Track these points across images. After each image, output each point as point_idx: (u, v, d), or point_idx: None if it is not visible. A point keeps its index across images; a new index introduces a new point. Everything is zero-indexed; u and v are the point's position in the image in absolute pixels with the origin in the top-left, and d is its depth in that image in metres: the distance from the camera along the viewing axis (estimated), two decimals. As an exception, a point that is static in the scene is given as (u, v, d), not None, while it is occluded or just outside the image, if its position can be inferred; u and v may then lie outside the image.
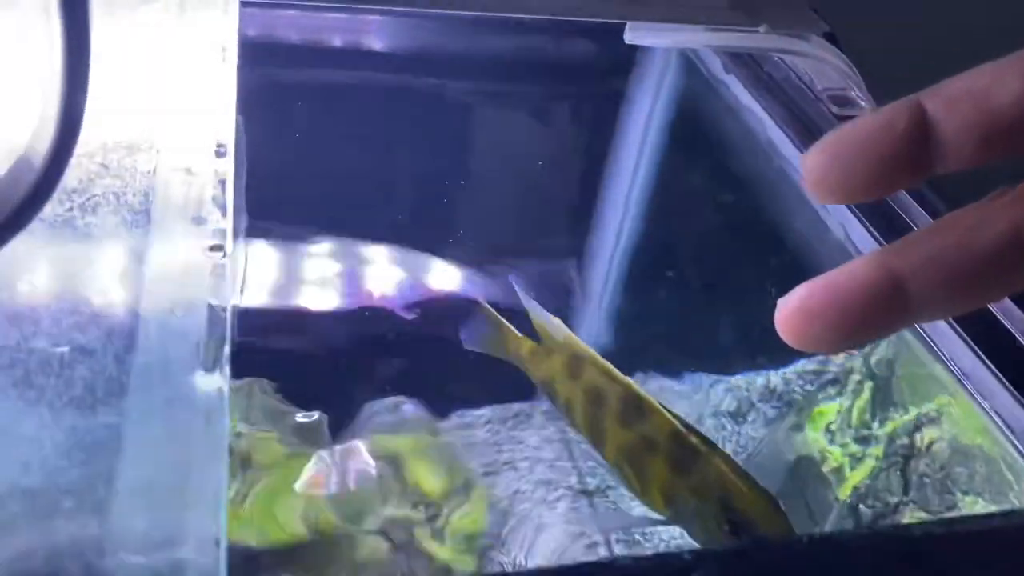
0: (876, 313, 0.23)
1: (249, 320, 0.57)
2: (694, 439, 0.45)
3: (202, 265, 0.36)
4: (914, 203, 0.61)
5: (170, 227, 0.37)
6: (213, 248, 0.37)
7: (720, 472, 0.43)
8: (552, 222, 0.73)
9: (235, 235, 0.38)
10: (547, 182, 0.75)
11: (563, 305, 0.68)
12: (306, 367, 0.61)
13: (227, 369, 0.32)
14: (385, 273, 0.65)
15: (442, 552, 0.51)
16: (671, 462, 0.45)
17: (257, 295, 0.62)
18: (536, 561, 0.53)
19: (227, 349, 0.32)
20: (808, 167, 0.23)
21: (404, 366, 0.63)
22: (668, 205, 0.70)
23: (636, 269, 0.68)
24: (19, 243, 0.35)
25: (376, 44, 0.72)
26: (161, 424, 0.30)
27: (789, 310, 0.23)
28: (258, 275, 0.63)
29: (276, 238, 0.65)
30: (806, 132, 0.73)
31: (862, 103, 0.68)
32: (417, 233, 0.67)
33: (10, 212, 0.27)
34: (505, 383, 0.58)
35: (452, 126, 0.76)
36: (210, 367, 0.32)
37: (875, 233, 0.63)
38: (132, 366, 0.31)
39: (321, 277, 0.64)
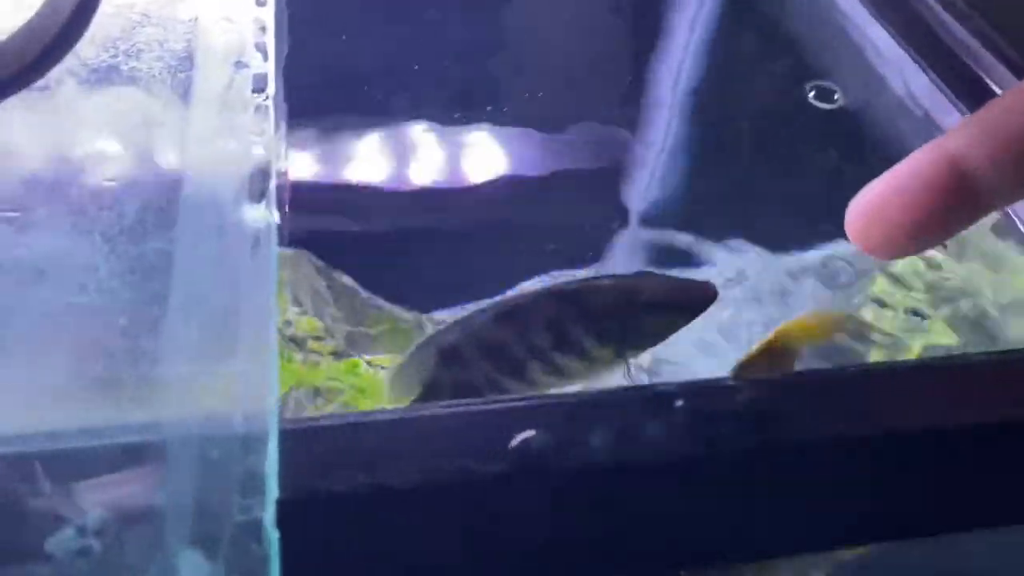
0: (939, 202, 0.21)
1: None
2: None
3: (245, 105, 0.36)
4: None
5: (213, 71, 0.37)
6: (255, 90, 0.37)
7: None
8: (605, 81, 0.71)
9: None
10: (599, 39, 0.73)
11: (620, 170, 0.67)
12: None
13: (272, 202, 0.32)
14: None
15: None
16: None
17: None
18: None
19: (272, 183, 0.33)
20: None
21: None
22: (724, 68, 0.68)
23: (691, 131, 0.67)
24: (68, 85, 0.36)
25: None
26: (210, 248, 0.30)
27: (855, 213, 0.22)
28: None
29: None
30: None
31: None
32: (465, 104, 0.66)
33: (50, 38, 0.28)
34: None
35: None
36: (256, 198, 0.32)
37: (951, 96, 0.60)
38: (180, 198, 0.32)
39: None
